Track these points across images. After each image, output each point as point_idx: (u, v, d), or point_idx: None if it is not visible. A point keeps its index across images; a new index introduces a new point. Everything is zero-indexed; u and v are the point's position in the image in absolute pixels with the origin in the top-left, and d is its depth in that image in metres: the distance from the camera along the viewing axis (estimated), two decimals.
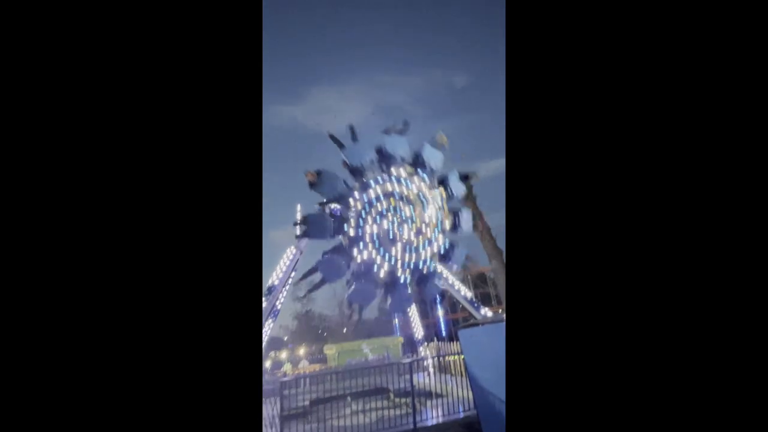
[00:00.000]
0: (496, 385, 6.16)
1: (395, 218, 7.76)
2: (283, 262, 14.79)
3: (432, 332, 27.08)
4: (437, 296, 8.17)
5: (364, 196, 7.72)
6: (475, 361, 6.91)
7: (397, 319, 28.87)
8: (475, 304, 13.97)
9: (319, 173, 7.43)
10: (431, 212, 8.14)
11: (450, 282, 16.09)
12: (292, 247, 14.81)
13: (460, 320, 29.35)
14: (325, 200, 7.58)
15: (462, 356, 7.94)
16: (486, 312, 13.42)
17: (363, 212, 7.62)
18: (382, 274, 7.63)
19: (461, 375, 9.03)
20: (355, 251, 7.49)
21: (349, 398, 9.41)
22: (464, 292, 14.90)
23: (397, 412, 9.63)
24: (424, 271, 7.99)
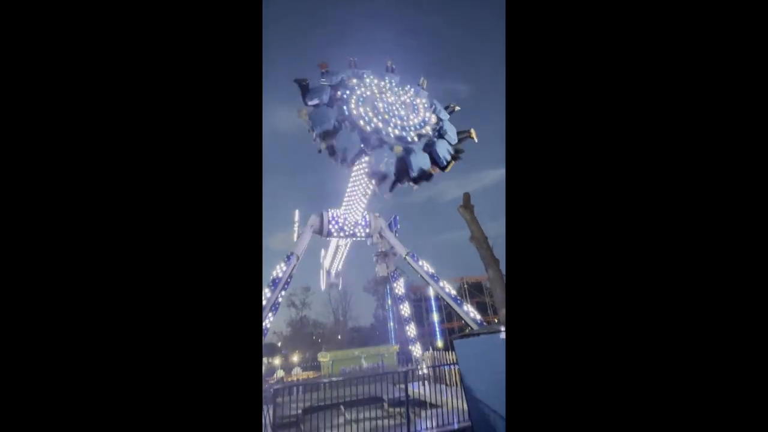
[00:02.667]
0: (491, 398, 6.12)
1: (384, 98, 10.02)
2: (279, 267, 14.78)
3: (428, 341, 26.88)
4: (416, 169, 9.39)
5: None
6: (471, 372, 6.87)
7: (392, 323, 28.69)
8: (471, 315, 13.92)
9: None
10: (418, 114, 10.21)
11: (447, 290, 16.03)
12: (290, 252, 14.83)
13: (455, 329, 29.21)
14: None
15: (457, 367, 7.90)
16: (481, 319, 13.37)
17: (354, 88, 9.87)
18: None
19: (456, 385, 8.96)
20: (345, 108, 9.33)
21: (342, 407, 9.30)
22: (459, 300, 14.87)
23: (391, 422, 9.51)
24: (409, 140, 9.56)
